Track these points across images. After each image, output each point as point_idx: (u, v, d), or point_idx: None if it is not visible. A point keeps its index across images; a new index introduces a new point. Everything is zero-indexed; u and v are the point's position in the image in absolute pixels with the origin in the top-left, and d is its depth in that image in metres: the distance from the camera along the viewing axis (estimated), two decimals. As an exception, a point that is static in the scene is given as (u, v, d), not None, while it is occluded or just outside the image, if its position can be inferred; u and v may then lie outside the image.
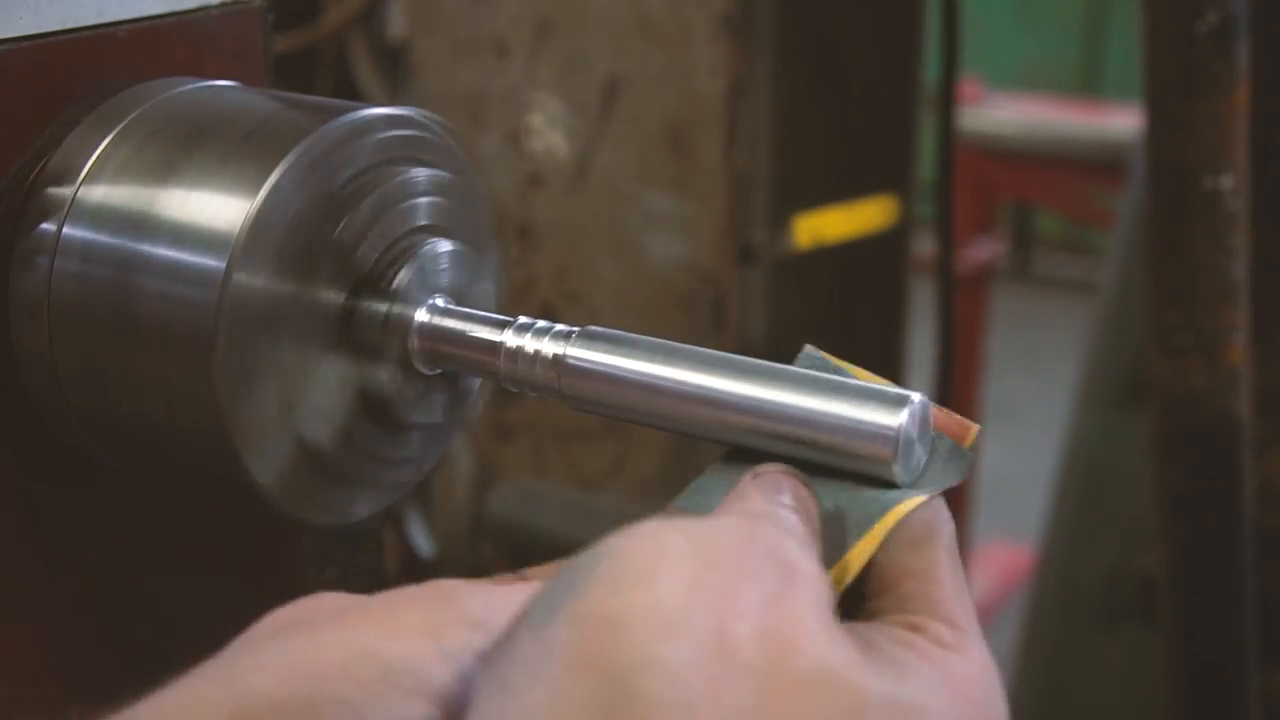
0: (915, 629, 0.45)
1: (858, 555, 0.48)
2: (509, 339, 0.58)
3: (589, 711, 0.36)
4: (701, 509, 0.51)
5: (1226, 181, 1.01)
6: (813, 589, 0.41)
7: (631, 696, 0.36)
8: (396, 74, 2.01)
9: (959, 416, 0.52)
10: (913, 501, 0.49)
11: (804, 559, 0.42)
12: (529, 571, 0.51)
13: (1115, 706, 1.75)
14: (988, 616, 3.14)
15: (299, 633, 0.43)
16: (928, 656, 0.43)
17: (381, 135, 0.60)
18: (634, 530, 0.41)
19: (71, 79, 0.61)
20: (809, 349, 0.54)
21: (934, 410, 0.52)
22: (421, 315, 0.60)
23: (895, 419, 0.49)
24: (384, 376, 0.60)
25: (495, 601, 0.43)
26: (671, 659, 0.37)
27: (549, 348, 0.56)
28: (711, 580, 0.39)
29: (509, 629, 0.40)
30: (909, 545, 0.48)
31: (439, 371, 0.61)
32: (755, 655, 0.38)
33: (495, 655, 0.40)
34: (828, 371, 0.54)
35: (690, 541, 0.40)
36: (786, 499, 0.48)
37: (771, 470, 0.50)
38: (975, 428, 0.52)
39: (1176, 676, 1.16)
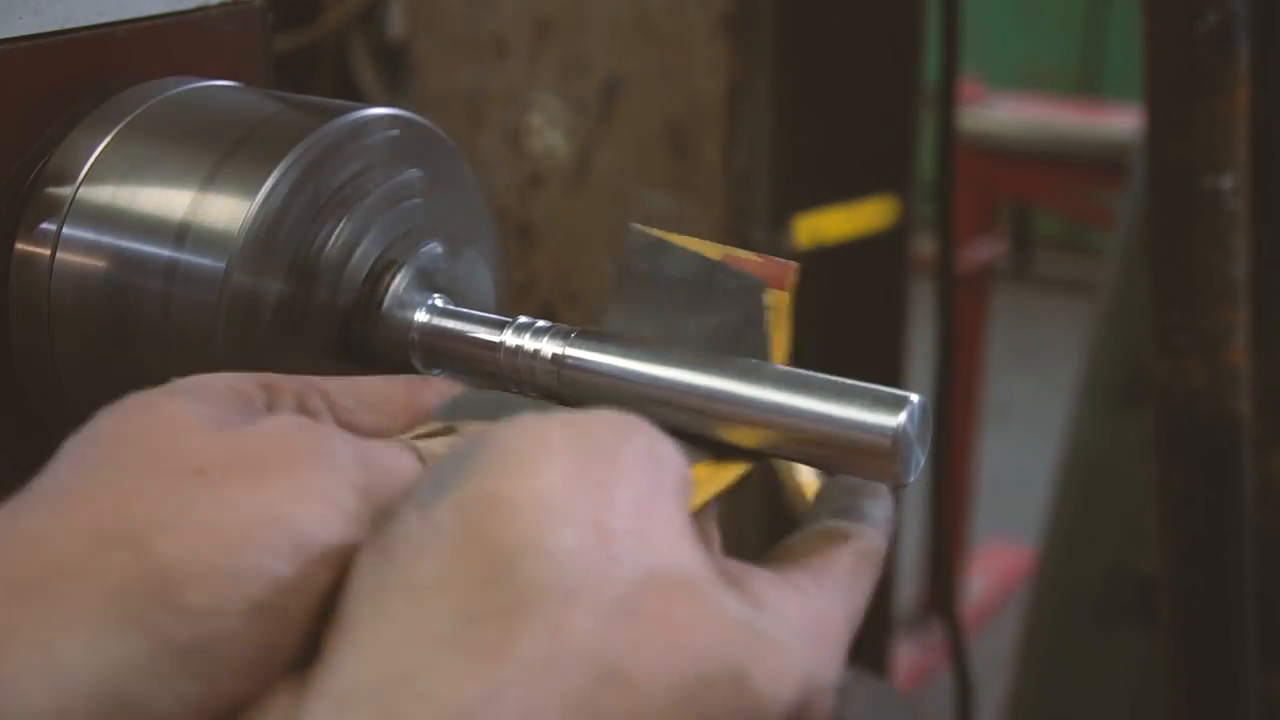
0: (781, 573, 0.45)
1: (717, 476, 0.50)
2: (508, 339, 0.58)
3: (473, 588, 0.37)
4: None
5: (1226, 181, 1.01)
6: (681, 491, 0.43)
7: (515, 578, 0.37)
8: (396, 74, 2.01)
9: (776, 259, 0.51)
10: None
11: (673, 454, 0.44)
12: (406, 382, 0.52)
13: (1115, 706, 1.75)
14: (988, 616, 3.14)
15: (187, 480, 0.40)
16: (786, 596, 0.43)
17: (381, 135, 0.60)
18: (516, 421, 0.42)
19: (71, 79, 0.61)
20: (635, 227, 0.55)
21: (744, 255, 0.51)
22: (421, 315, 0.60)
23: (894, 419, 0.49)
24: (384, 376, 0.60)
25: (371, 459, 0.44)
26: (555, 545, 0.38)
27: (548, 347, 0.56)
28: (590, 471, 0.40)
29: (394, 508, 0.41)
30: (820, 539, 0.49)
31: (439, 372, 0.61)
32: (630, 552, 0.39)
33: (381, 530, 0.40)
34: (658, 247, 0.55)
35: (569, 433, 0.41)
36: None
37: None
38: (793, 267, 0.51)
39: (1176, 676, 1.16)
